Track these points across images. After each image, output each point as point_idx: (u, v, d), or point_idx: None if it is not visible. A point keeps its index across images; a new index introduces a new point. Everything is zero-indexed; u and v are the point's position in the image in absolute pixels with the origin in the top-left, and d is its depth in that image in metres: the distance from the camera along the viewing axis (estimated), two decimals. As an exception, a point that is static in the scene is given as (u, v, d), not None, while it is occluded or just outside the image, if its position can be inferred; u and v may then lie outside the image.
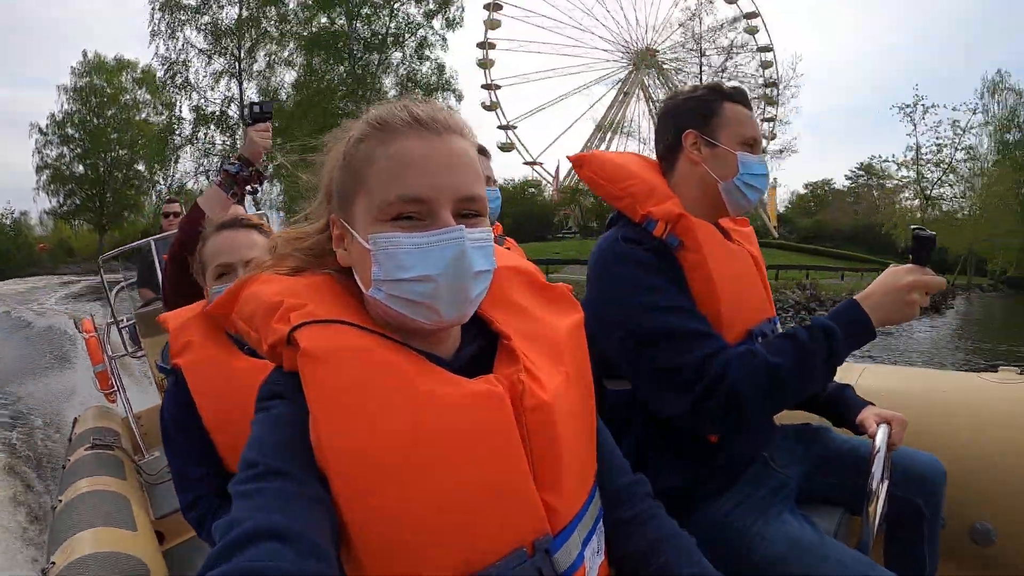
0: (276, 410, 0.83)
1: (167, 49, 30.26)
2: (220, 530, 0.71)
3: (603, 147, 46.63)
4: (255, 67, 29.95)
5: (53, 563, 2.22)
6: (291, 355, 0.84)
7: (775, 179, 49.75)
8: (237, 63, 29.53)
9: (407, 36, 29.56)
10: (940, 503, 1.60)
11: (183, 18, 29.59)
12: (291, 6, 28.98)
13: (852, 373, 2.16)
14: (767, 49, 44.48)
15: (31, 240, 42.95)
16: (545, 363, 0.94)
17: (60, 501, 2.95)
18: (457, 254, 0.84)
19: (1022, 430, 1.80)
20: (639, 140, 47.47)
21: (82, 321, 5.36)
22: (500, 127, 44.28)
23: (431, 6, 30.02)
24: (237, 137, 30.57)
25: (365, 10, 29.12)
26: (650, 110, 48.55)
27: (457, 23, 30.76)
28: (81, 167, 38.54)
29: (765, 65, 44.67)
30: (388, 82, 30.06)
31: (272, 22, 28.46)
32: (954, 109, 42.68)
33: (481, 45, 42.05)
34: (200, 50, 29.91)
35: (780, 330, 1.56)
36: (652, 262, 1.43)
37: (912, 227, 1.41)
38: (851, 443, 1.67)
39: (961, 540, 1.82)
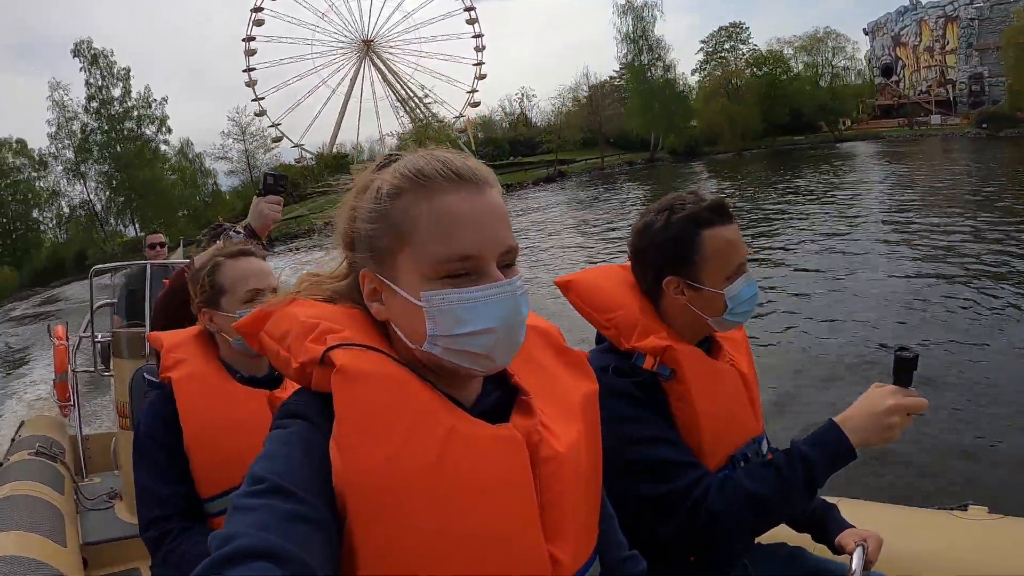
0: (294, 429, 0.83)
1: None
2: (215, 541, 0.70)
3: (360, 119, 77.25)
4: (90, 174, 56.34)
5: None
6: (322, 375, 0.85)
7: (469, 114, 75.29)
8: (82, 176, 55.99)
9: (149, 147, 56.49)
10: None
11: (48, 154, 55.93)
12: (95, 137, 54.78)
13: None
14: (471, 9, 66.85)
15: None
16: (560, 420, 0.96)
17: None
18: (512, 306, 0.87)
19: (990, 566, 1.86)
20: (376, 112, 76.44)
21: (55, 327, 5.31)
22: (269, 126, 66.24)
23: (158, 123, 56.95)
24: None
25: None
26: (383, 82, 76.83)
27: (169, 130, 57.70)
28: None
29: (470, 22, 67.15)
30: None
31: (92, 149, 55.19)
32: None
33: (245, 70, 64.92)
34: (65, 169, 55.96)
35: (766, 448, 1.62)
36: (636, 394, 1.44)
37: (895, 349, 1.38)
38: (826, 566, 1.67)
39: None
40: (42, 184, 56.66)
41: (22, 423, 4.64)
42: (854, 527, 1.62)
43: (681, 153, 61.90)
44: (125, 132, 55.21)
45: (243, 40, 65.38)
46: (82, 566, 2.70)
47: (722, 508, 1.34)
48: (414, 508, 0.78)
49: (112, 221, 57.07)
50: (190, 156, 60.40)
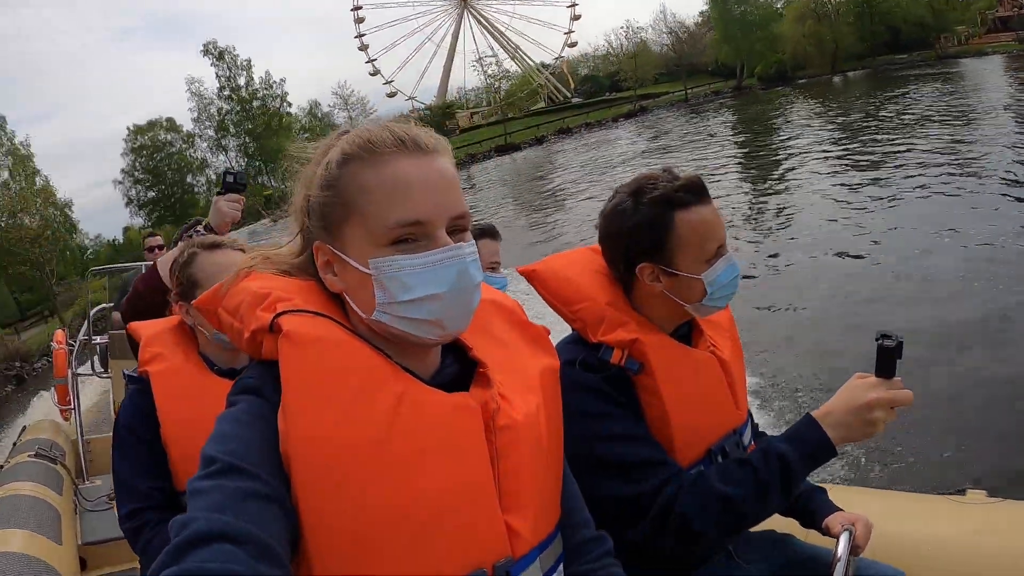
0: (243, 405, 0.84)
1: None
2: (174, 528, 0.70)
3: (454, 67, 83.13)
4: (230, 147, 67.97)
5: None
6: (272, 343, 0.85)
7: (563, 55, 79.21)
8: (223, 148, 68.08)
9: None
10: None
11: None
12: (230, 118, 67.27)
13: None
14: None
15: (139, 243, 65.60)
16: (519, 392, 0.96)
17: None
18: (460, 271, 0.87)
19: (989, 549, 1.80)
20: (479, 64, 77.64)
21: (55, 332, 5.40)
22: (384, 83, 78.76)
23: (279, 99, 69.45)
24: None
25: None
26: (483, 30, 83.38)
27: (289, 104, 69.84)
28: (151, 193, 67.29)
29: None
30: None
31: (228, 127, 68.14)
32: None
33: (357, 36, 76.71)
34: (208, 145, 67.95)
35: (749, 438, 1.58)
36: (604, 389, 1.38)
37: (876, 336, 1.27)
38: (812, 552, 1.61)
39: None
40: (192, 154, 69.87)
41: (24, 428, 4.78)
42: (842, 510, 1.54)
43: (770, 78, 59.29)
44: (253, 110, 68.61)
45: (351, 10, 76.34)
46: (79, 565, 2.80)
47: (694, 511, 1.30)
48: (360, 476, 0.78)
49: (252, 182, 66.81)
50: (319, 115, 73.78)
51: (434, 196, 0.86)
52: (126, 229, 63.87)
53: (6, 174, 41.39)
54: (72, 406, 4.71)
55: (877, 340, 1.25)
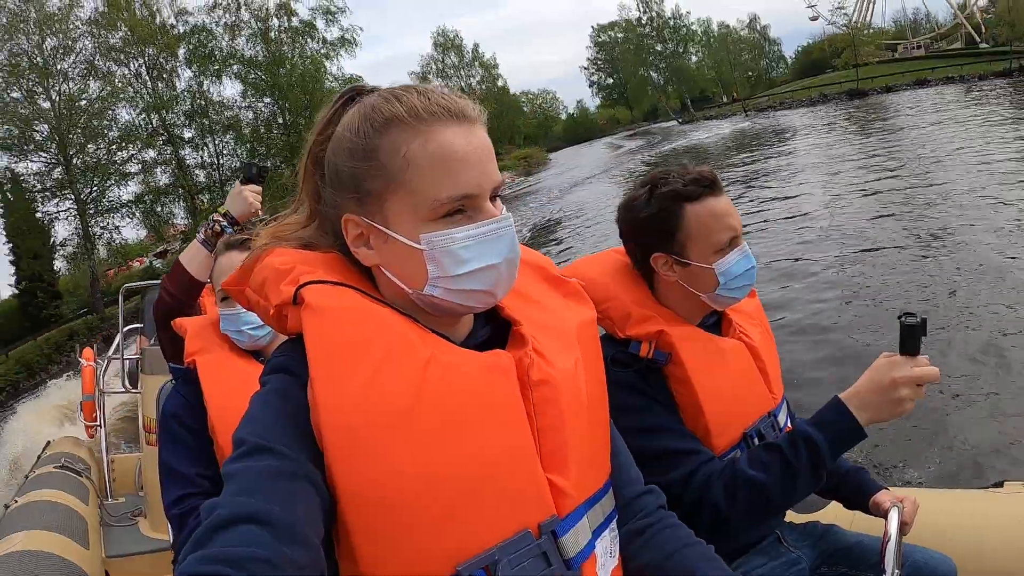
0: (271, 385, 0.83)
1: None
2: (204, 513, 0.70)
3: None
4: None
5: None
6: (296, 315, 0.83)
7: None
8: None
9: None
10: None
11: None
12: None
13: None
14: None
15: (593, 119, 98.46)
16: (556, 347, 0.94)
17: (16, 501, 2.99)
18: (511, 239, 0.87)
19: None
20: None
21: (84, 349, 5.36)
22: (807, 7, 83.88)
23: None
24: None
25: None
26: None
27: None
28: (609, 80, 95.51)
29: None
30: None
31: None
32: None
33: None
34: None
35: (785, 419, 1.61)
36: (635, 383, 1.43)
37: (899, 315, 1.29)
38: (857, 538, 1.63)
39: None
40: (647, 50, 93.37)
41: (48, 443, 4.76)
42: (887, 488, 1.57)
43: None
44: (665, 36, 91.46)
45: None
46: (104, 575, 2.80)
47: (723, 498, 1.33)
48: (393, 442, 0.76)
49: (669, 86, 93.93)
50: (758, 28, 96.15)
51: (480, 167, 0.85)
52: (599, 105, 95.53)
53: (478, 77, 65.96)
54: (98, 423, 4.67)
55: (900, 318, 1.27)
